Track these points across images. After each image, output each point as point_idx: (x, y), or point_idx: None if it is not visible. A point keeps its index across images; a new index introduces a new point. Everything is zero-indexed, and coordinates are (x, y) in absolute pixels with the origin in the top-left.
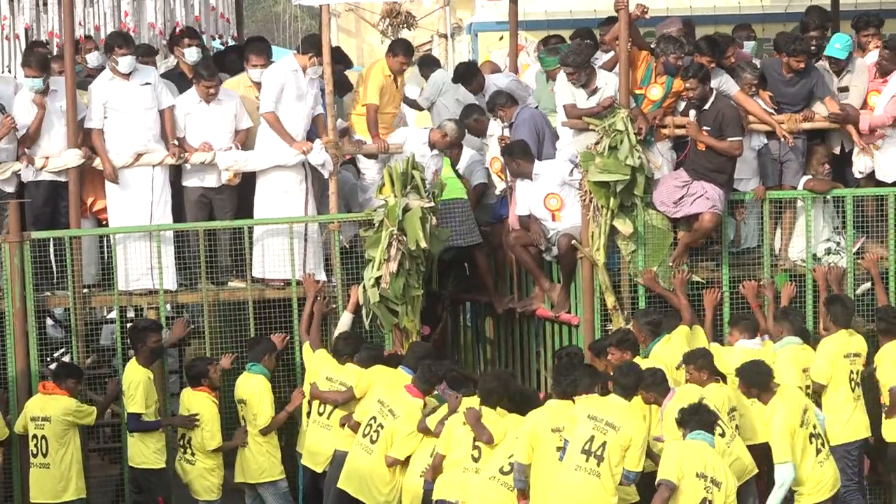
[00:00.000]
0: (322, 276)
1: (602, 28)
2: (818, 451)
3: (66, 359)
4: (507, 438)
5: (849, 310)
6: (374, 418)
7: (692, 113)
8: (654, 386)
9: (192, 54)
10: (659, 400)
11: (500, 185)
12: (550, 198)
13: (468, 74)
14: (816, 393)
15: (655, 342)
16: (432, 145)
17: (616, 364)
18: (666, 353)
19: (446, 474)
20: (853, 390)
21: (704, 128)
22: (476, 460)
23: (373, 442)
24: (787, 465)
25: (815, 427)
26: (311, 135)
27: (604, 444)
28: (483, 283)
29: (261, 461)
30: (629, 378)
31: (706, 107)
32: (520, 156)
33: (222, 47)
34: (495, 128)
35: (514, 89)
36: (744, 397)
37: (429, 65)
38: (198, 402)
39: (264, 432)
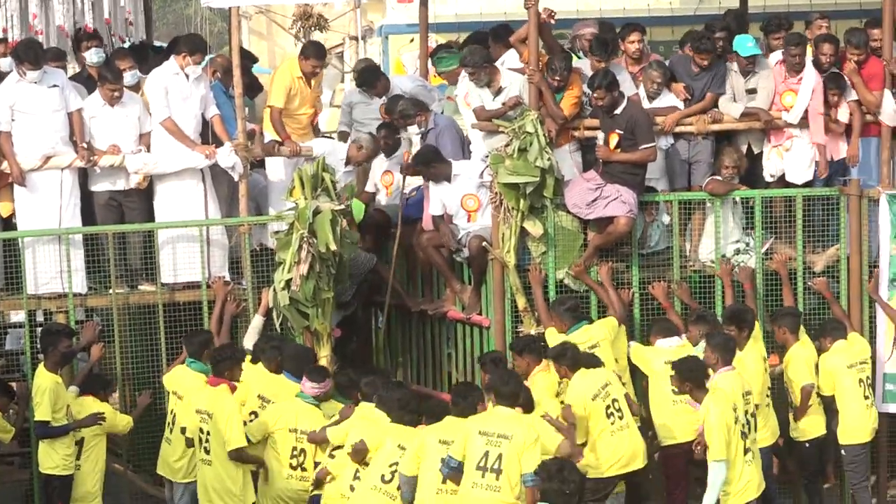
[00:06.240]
0: (227, 277)
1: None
2: (746, 451)
3: None
4: (387, 446)
5: (798, 318)
6: (201, 429)
7: (601, 136)
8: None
9: (91, 56)
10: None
11: (409, 185)
12: (468, 198)
13: (371, 79)
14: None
15: (576, 328)
16: (348, 160)
17: (497, 374)
18: (580, 337)
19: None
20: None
21: (617, 131)
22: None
23: (208, 452)
24: (722, 463)
25: (744, 425)
26: (216, 138)
27: (500, 455)
28: (394, 290)
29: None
30: (509, 386)
31: (617, 111)
32: (435, 160)
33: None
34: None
35: (420, 93)
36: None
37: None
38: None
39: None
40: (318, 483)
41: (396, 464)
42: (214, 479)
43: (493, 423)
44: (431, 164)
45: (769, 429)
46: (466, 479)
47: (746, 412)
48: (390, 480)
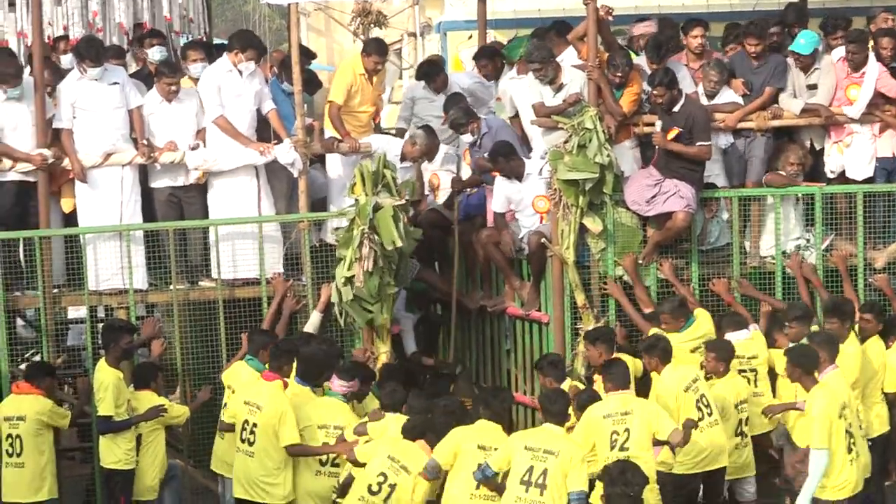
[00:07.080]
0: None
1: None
2: (850, 449)
3: (37, 359)
4: (378, 457)
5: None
6: (247, 420)
7: (659, 124)
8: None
9: (154, 54)
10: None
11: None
12: (539, 199)
13: (432, 72)
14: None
15: (689, 324)
16: (404, 156)
17: (545, 391)
18: (696, 332)
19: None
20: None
21: (676, 127)
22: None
23: (251, 444)
24: (824, 451)
25: (850, 424)
26: (276, 134)
27: (544, 471)
28: (447, 293)
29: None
30: (557, 405)
31: (676, 109)
32: (513, 153)
33: None
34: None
35: (478, 90)
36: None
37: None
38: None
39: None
40: (344, 489)
41: (384, 475)
42: (257, 468)
43: (540, 439)
44: (511, 157)
45: (866, 420)
46: (510, 493)
47: (857, 409)
48: (377, 492)
